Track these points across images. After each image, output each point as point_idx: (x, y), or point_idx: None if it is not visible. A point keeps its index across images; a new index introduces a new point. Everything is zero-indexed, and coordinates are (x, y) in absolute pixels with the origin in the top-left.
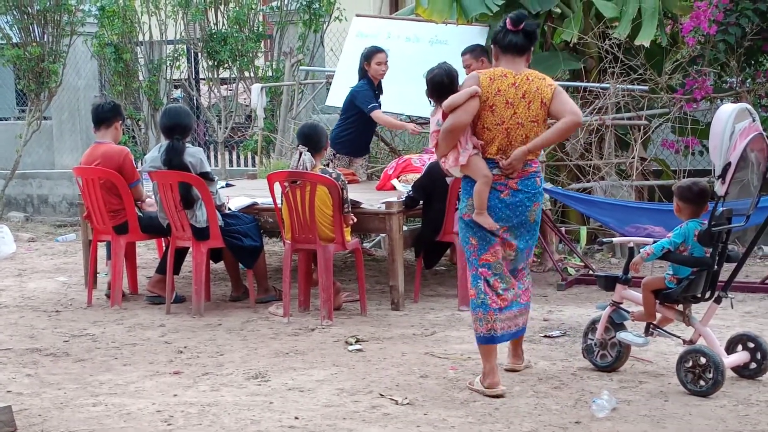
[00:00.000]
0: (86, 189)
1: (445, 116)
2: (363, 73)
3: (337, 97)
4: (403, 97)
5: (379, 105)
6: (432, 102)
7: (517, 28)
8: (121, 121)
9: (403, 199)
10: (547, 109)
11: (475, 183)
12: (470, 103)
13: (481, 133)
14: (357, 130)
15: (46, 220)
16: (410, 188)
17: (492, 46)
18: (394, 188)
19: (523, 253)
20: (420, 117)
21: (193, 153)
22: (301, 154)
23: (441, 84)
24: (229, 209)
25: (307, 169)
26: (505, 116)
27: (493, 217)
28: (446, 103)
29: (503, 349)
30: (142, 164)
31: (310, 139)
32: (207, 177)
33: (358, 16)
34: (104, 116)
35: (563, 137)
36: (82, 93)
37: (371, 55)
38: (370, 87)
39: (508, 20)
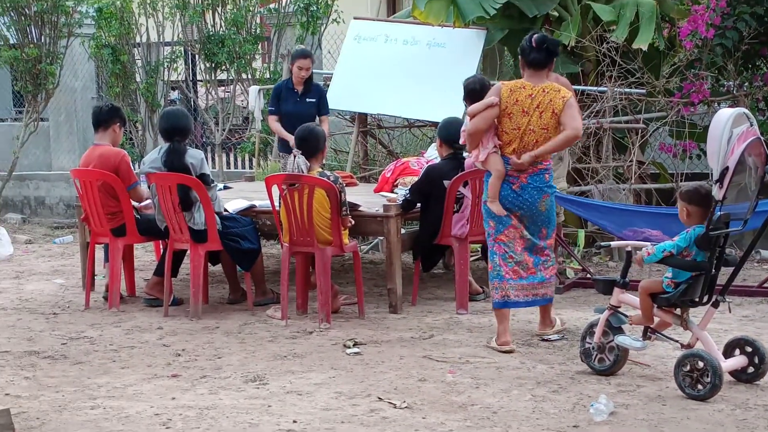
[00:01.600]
0: (84, 191)
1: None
2: (289, 71)
3: (334, 100)
4: (402, 99)
5: (310, 104)
6: (466, 104)
7: (540, 47)
8: (119, 123)
9: (400, 202)
10: (557, 119)
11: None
12: (488, 111)
13: (500, 135)
14: (289, 129)
15: (43, 222)
16: (407, 191)
17: (519, 56)
18: (392, 191)
19: (535, 235)
20: (417, 120)
21: (194, 154)
22: (294, 156)
23: (474, 90)
24: (227, 211)
25: (302, 172)
26: (521, 123)
27: (506, 204)
28: (468, 110)
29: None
30: (140, 166)
31: (306, 142)
32: (205, 179)
33: (356, 18)
34: (102, 118)
35: (562, 148)
36: (79, 94)
37: (294, 58)
38: (285, 87)
39: (533, 40)
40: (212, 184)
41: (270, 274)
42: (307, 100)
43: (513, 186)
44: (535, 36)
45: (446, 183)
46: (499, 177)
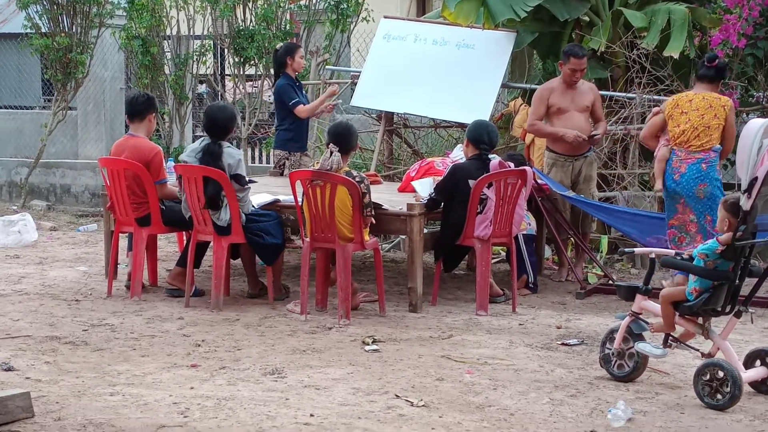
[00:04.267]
0: (111, 180)
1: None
2: (283, 68)
3: (362, 98)
4: (429, 99)
5: (305, 98)
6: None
7: (711, 65)
8: (154, 114)
9: (424, 200)
10: (720, 122)
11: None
12: (653, 120)
13: (668, 133)
14: (296, 126)
15: (68, 210)
16: (432, 190)
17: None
18: (414, 190)
19: (701, 220)
20: (444, 120)
21: (232, 154)
22: (331, 153)
23: None
24: (253, 207)
25: (333, 170)
26: (680, 121)
27: (670, 192)
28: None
29: None
30: (168, 160)
31: (343, 139)
32: (239, 180)
33: (386, 17)
34: (138, 109)
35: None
36: (108, 85)
37: (295, 49)
38: (290, 82)
39: (706, 59)
40: (246, 186)
41: (290, 269)
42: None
43: (674, 176)
44: (708, 55)
45: (471, 183)
46: (660, 160)
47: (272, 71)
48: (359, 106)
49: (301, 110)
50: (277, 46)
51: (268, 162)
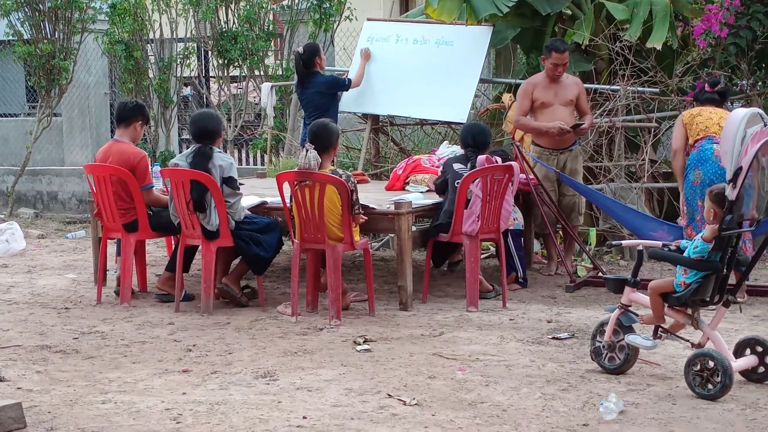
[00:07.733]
0: (97, 186)
1: None
2: (312, 67)
3: (348, 102)
4: (412, 98)
5: None
6: None
7: (713, 90)
8: (141, 122)
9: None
10: None
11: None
12: (676, 131)
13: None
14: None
15: (55, 217)
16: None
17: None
18: (403, 188)
19: None
20: (424, 120)
21: (224, 158)
22: (307, 151)
23: None
24: (248, 213)
25: (311, 167)
26: (709, 118)
27: (714, 179)
28: None
29: None
30: (155, 165)
31: (319, 137)
32: (231, 183)
33: (369, 20)
34: (125, 115)
35: None
36: (92, 90)
37: (319, 48)
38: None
39: (708, 83)
40: (237, 190)
41: (280, 270)
42: None
43: (721, 164)
44: (709, 80)
45: (456, 183)
46: (680, 174)
47: (256, 73)
48: (346, 110)
49: (356, 81)
50: (299, 50)
51: (255, 164)
